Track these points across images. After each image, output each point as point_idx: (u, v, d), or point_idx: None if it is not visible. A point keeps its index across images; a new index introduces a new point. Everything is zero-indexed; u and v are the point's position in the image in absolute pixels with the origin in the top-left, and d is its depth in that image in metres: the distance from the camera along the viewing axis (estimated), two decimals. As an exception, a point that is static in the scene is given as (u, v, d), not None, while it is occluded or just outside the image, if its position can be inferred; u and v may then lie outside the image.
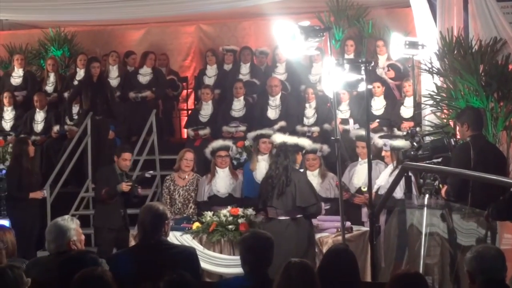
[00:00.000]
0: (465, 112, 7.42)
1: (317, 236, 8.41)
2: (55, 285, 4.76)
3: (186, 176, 9.61)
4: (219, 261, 8.49)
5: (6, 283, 4.39)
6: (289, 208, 7.97)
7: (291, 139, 8.40)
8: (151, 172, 9.33)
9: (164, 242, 5.42)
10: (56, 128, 11.66)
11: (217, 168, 9.57)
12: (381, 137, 8.81)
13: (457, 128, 7.32)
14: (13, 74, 12.68)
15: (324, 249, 7.96)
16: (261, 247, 5.01)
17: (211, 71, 12.68)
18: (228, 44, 13.14)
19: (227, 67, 12.73)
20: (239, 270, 7.62)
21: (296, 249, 7.53)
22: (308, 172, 9.10)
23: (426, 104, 9.27)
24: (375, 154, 8.85)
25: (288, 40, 6.48)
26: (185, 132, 12.37)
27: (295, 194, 7.94)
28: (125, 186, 9.14)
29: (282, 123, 10.92)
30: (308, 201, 7.97)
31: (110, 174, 9.38)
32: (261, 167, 9.55)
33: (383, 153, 8.79)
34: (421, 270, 6.44)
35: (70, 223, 5.52)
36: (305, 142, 8.56)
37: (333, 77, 6.47)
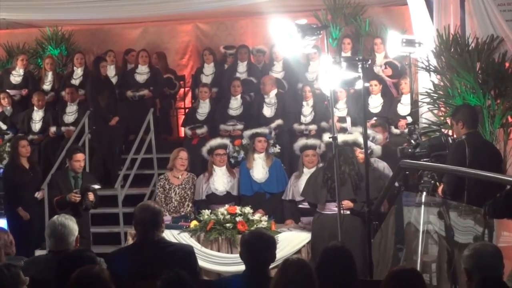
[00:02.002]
0: (460, 110, 7.41)
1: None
2: (53, 283, 4.77)
3: (180, 176, 9.61)
4: (217, 259, 8.51)
5: (2, 282, 4.39)
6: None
7: (348, 137, 8.39)
8: (96, 187, 9.05)
9: (162, 240, 5.44)
10: (53, 129, 11.65)
11: (214, 167, 9.60)
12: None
13: (453, 126, 7.32)
14: (14, 72, 12.66)
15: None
16: (261, 245, 5.02)
17: (209, 69, 12.68)
18: (226, 43, 13.16)
19: (227, 66, 12.76)
20: (237, 268, 7.71)
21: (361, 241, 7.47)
22: (305, 170, 9.12)
23: (423, 102, 9.27)
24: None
25: (285, 38, 6.48)
26: (182, 131, 12.37)
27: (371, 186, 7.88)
28: (73, 197, 8.60)
29: (279, 121, 10.95)
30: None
31: (62, 179, 8.95)
32: (258, 165, 9.59)
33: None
34: (418, 268, 6.45)
35: (74, 221, 5.57)
36: (375, 147, 8.70)
37: (330, 75, 6.47)
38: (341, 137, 8.11)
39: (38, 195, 10.11)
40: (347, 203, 7.90)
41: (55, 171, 9.77)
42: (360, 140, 8.35)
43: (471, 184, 6.69)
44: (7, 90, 12.30)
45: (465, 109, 7.43)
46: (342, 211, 7.19)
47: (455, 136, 7.73)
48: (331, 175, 8.06)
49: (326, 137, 8.56)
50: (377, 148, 8.78)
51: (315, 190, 8.21)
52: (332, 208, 8.07)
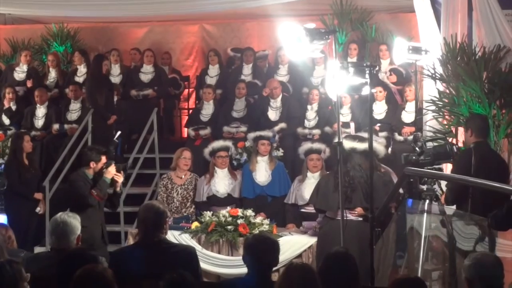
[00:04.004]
0: (471, 118, 7.48)
1: (316, 239, 8.43)
2: (54, 281, 4.75)
3: (183, 176, 9.60)
4: (217, 261, 8.49)
5: (4, 278, 4.37)
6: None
7: (360, 145, 7.90)
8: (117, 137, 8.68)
9: (165, 241, 5.42)
10: (56, 126, 11.63)
11: (216, 169, 9.59)
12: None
13: (464, 134, 7.34)
14: (17, 68, 12.66)
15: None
16: (264, 249, 5.00)
17: (213, 71, 12.68)
18: (231, 45, 13.19)
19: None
20: (237, 270, 7.71)
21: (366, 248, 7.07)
22: (309, 174, 9.10)
23: (428, 110, 9.26)
24: None
25: (293, 42, 6.46)
26: (185, 131, 12.37)
27: (381, 191, 7.62)
28: (112, 171, 7.96)
29: (282, 125, 10.94)
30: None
31: (84, 180, 8.04)
32: (261, 168, 9.59)
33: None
34: (419, 275, 6.43)
35: (77, 219, 5.55)
36: (379, 147, 8.40)
37: (337, 80, 6.44)
38: (349, 144, 7.92)
39: (39, 210, 10.09)
40: (360, 211, 7.74)
41: (72, 174, 8.53)
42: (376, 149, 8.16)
43: (475, 192, 6.69)
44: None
45: (476, 118, 7.49)
46: (347, 217, 7.14)
47: (460, 144, 7.73)
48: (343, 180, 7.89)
49: (345, 144, 8.26)
50: (381, 148, 8.59)
51: (326, 196, 7.85)
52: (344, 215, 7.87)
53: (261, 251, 4.98)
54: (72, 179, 8.15)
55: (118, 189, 8.15)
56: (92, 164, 8.05)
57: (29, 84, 12.44)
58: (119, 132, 8.85)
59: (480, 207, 6.51)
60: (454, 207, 7.16)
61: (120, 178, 8.08)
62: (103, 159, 8.09)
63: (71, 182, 8.15)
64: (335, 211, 7.71)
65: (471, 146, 7.11)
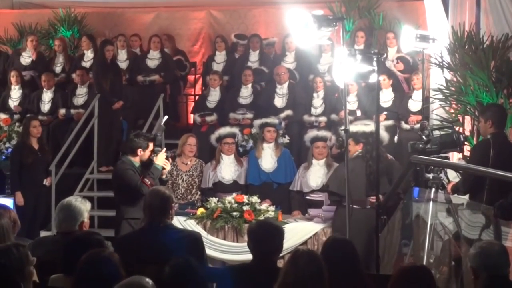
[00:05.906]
0: (491, 108, 7.39)
1: (321, 226, 8.47)
2: (60, 265, 4.77)
3: (189, 162, 9.60)
4: (222, 248, 8.52)
5: (11, 262, 4.38)
6: None
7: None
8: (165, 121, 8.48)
9: (171, 226, 5.45)
10: (62, 111, 11.63)
11: (222, 155, 9.59)
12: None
13: (480, 123, 7.28)
14: (24, 53, 12.63)
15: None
16: (269, 235, 5.00)
17: (220, 57, 12.64)
18: (238, 32, 13.14)
19: (238, 55, 12.72)
20: (242, 257, 7.73)
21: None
22: (315, 161, 9.10)
23: (435, 98, 9.24)
24: None
25: (301, 29, 6.43)
26: (191, 118, 12.36)
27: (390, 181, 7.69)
28: (163, 157, 7.68)
29: (288, 112, 10.92)
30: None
31: (133, 171, 7.63)
32: (267, 155, 9.59)
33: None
34: (424, 264, 6.43)
35: (84, 204, 5.53)
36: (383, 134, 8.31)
37: (344, 67, 6.43)
38: (370, 128, 7.85)
39: (46, 182, 10.10)
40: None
41: (117, 163, 8.08)
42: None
43: (492, 183, 6.66)
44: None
45: (496, 108, 7.44)
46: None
47: (467, 133, 7.69)
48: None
49: (357, 127, 8.21)
50: (384, 135, 8.55)
51: (354, 183, 7.50)
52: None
53: (264, 237, 4.99)
54: (121, 167, 7.71)
55: (164, 176, 7.91)
56: (140, 152, 7.67)
57: (33, 56, 12.43)
58: (166, 117, 8.68)
59: (496, 198, 6.45)
60: (466, 197, 7.15)
61: (168, 166, 7.86)
62: (151, 146, 7.74)
63: (120, 171, 7.69)
64: (364, 198, 7.75)
65: (488, 137, 7.08)
